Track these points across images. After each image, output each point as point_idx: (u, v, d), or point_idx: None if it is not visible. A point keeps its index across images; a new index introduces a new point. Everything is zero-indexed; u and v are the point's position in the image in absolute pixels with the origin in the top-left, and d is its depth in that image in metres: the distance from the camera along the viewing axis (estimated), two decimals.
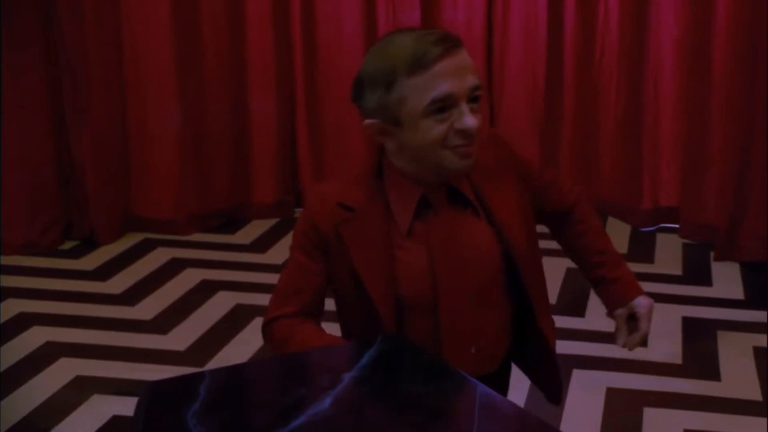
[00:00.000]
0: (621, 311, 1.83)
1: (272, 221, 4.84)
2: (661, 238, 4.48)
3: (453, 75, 1.54)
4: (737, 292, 3.88)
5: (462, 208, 1.68)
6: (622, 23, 4.49)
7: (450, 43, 1.55)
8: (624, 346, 1.81)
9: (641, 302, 1.82)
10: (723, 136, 4.19)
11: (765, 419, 2.94)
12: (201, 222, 4.72)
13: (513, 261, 1.69)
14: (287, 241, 4.63)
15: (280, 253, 4.42)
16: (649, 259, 4.25)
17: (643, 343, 1.82)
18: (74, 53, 4.31)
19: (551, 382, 1.86)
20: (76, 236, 4.58)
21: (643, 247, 4.37)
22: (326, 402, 1.33)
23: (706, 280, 4.01)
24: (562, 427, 2.84)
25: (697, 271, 4.10)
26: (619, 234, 4.51)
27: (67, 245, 4.55)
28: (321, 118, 4.89)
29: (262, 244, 4.56)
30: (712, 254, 4.22)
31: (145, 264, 4.31)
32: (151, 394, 1.40)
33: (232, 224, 4.80)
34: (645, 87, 4.42)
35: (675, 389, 3.12)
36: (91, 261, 4.35)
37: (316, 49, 4.80)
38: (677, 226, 4.50)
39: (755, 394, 3.10)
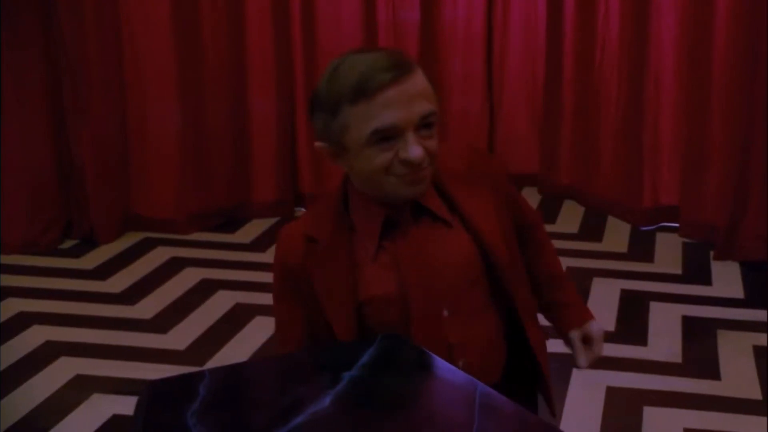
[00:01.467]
0: (575, 333, 1.82)
1: (272, 220, 4.84)
2: (661, 237, 4.48)
3: (398, 104, 1.48)
4: (737, 292, 3.88)
5: (431, 223, 1.64)
6: (623, 23, 4.49)
7: (398, 71, 1.48)
8: (584, 366, 1.82)
9: (595, 326, 1.84)
10: (723, 135, 4.19)
11: (765, 418, 2.94)
12: (201, 221, 4.73)
13: (493, 267, 1.65)
14: None
15: None
16: (649, 258, 4.25)
17: (594, 361, 1.84)
18: (74, 53, 4.31)
19: (541, 391, 1.86)
20: (76, 235, 4.59)
21: (643, 246, 4.37)
22: (326, 401, 1.33)
23: (706, 280, 4.01)
24: (562, 426, 2.85)
25: (697, 271, 4.10)
26: (619, 233, 4.52)
27: (67, 244, 4.55)
28: None
29: (261, 243, 4.57)
30: (711, 253, 4.22)
31: (144, 263, 4.31)
32: (150, 393, 1.40)
33: (231, 223, 4.80)
34: (645, 87, 4.41)
35: (675, 388, 3.12)
36: (90, 260, 4.36)
37: (316, 49, 4.80)
38: (677, 225, 4.50)
39: (755, 393, 3.10)
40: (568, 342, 1.84)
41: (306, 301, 1.64)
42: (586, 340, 1.84)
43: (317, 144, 1.59)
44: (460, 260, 1.63)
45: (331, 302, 1.61)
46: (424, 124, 1.51)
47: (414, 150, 1.49)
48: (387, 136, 1.49)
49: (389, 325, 1.60)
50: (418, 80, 1.51)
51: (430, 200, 1.63)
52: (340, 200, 1.65)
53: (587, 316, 1.85)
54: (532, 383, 1.85)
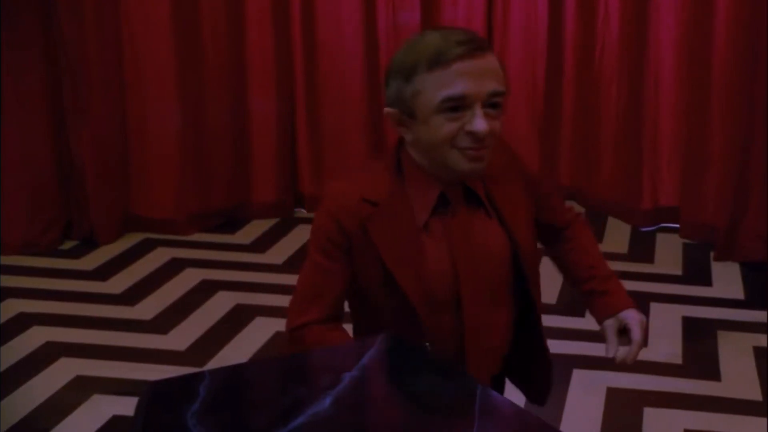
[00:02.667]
0: (610, 321, 1.77)
1: (272, 221, 4.84)
2: (661, 238, 4.48)
3: (471, 77, 1.54)
4: (737, 292, 3.88)
5: (475, 209, 1.69)
6: (623, 24, 4.49)
7: (474, 45, 1.55)
8: (617, 358, 1.73)
9: (632, 314, 1.76)
10: (723, 136, 4.19)
11: (765, 419, 2.94)
12: (201, 222, 4.72)
13: (519, 263, 1.70)
14: (287, 241, 4.67)
15: (279, 253, 4.42)
16: (649, 259, 4.25)
17: (635, 356, 1.73)
18: (74, 53, 4.31)
19: (544, 382, 1.85)
20: (76, 236, 4.58)
21: (643, 247, 4.37)
22: (326, 402, 1.33)
23: (706, 280, 4.01)
24: (562, 427, 2.84)
25: (697, 271, 4.10)
26: (619, 234, 4.52)
27: (67, 245, 4.55)
28: (321, 118, 4.90)
29: (261, 244, 4.56)
30: (712, 254, 4.22)
31: (145, 264, 4.31)
32: (151, 394, 1.40)
33: (231, 224, 4.80)
34: (645, 87, 4.42)
35: (675, 389, 3.12)
36: (91, 261, 4.35)
37: (316, 49, 4.80)
38: (677, 225, 4.50)
39: (755, 394, 3.10)
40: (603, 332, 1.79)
41: (351, 262, 1.66)
42: (625, 332, 1.77)
43: (386, 110, 1.64)
44: (496, 251, 1.69)
45: (401, 267, 1.63)
46: (491, 103, 1.57)
47: (480, 123, 1.55)
48: (456, 105, 1.55)
49: (444, 296, 1.65)
50: (492, 60, 1.58)
51: (477, 188, 1.69)
52: (395, 167, 1.68)
53: (625, 303, 1.79)
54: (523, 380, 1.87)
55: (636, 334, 1.73)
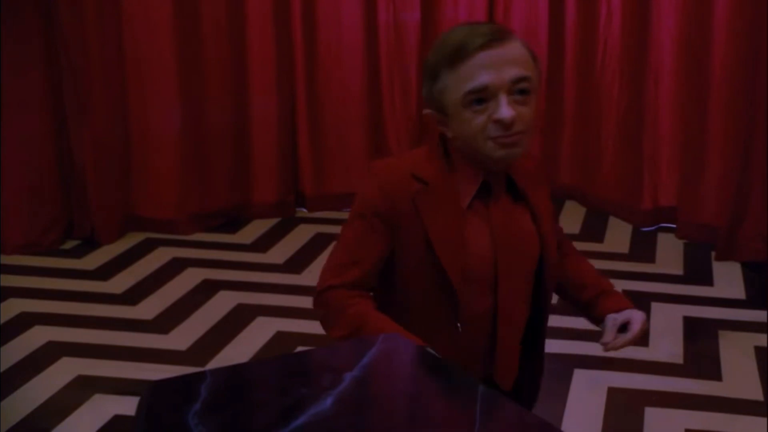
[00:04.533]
0: (613, 315, 1.78)
1: (273, 221, 4.84)
2: (661, 237, 4.48)
3: (491, 67, 1.57)
4: (738, 292, 3.88)
5: (514, 201, 1.73)
6: (624, 24, 4.49)
7: (493, 36, 1.58)
8: (607, 345, 1.74)
9: (635, 312, 1.77)
10: (723, 136, 4.19)
11: (766, 419, 2.94)
12: (202, 222, 4.72)
13: (542, 264, 1.75)
14: (288, 240, 4.67)
15: (281, 252, 4.42)
16: (650, 258, 4.25)
17: (626, 344, 1.75)
18: (75, 52, 4.31)
19: (533, 390, 1.87)
20: (78, 236, 4.58)
21: (643, 247, 4.37)
22: (327, 402, 1.33)
23: (707, 280, 4.01)
24: (563, 427, 2.85)
25: (698, 271, 4.10)
26: (619, 234, 4.52)
27: (69, 245, 4.55)
28: (322, 117, 4.90)
29: (263, 243, 4.56)
30: (713, 254, 4.22)
31: (146, 264, 4.31)
32: (152, 393, 1.40)
33: (233, 224, 4.80)
34: (646, 87, 4.42)
35: (676, 389, 3.12)
36: (92, 261, 4.36)
37: (317, 49, 4.80)
38: (678, 225, 4.50)
39: (756, 393, 3.10)
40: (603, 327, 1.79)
41: (393, 236, 1.68)
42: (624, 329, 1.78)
43: (424, 111, 1.70)
44: (529, 246, 1.73)
45: (445, 244, 1.66)
46: (518, 90, 1.60)
47: (504, 110, 1.58)
48: (480, 97, 1.59)
49: (483, 275, 1.68)
50: (514, 47, 1.61)
51: (519, 182, 1.73)
52: (441, 151, 1.71)
53: (628, 304, 1.81)
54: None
55: (635, 328, 1.74)
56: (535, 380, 1.86)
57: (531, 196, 1.74)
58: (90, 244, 4.53)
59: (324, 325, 1.74)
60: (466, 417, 1.34)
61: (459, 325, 1.68)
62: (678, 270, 4.12)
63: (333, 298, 1.69)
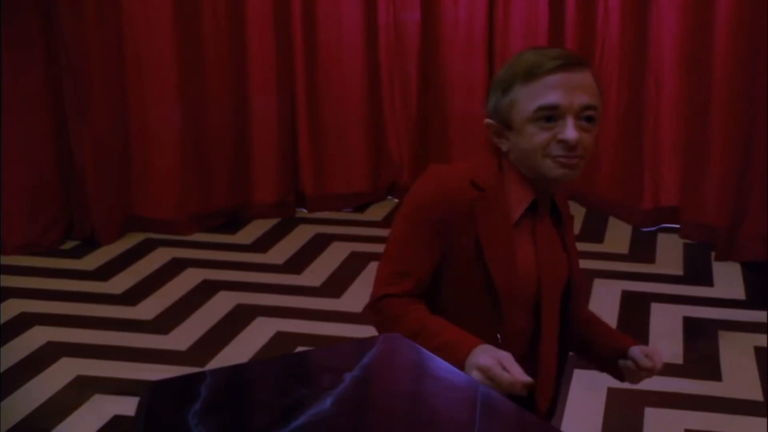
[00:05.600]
0: (639, 348, 1.82)
1: (273, 221, 4.84)
2: (661, 238, 4.48)
3: (564, 89, 1.64)
4: (738, 292, 3.88)
5: (555, 226, 1.78)
6: (623, 24, 4.49)
7: (568, 61, 1.66)
8: (651, 371, 1.80)
9: (656, 348, 1.83)
10: (723, 136, 4.19)
11: (766, 419, 2.93)
12: (202, 222, 4.73)
13: (568, 293, 1.78)
14: (288, 241, 4.67)
15: (280, 253, 4.42)
16: (650, 259, 4.25)
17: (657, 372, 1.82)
18: (75, 53, 4.31)
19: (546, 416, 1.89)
20: (77, 236, 4.58)
21: (643, 247, 4.37)
22: (327, 402, 1.33)
23: (707, 280, 4.01)
24: (563, 427, 2.84)
25: (698, 271, 4.10)
26: (619, 234, 4.52)
27: (68, 245, 4.55)
28: (322, 117, 4.90)
29: (262, 244, 4.57)
30: (713, 254, 4.22)
31: (146, 264, 4.31)
32: (152, 394, 1.40)
33: (232, 224, 4.80)
34: (645, 87, 4.42)
35: (676, 389, 3.12)
36: (92, 261, 4.36)
37: (317, 49, 4.81)
38: (678, 226, 4.50)
39: (756, 394, 3.10)
40: (628, 358, 1.83)
41: (445, 243, 1.69)
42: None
43: (486, 121, 1.76)
44: (563, 271, 1.78)
45: (496, 253, 1.68)
46: (585, 117, 1.66)
47: (570, 131, 1.63)
48: (549, 115, 1.65)
49: (526, 291, 1.71)
50: (586, 76, 1.68)
51: (562, 209, 1.79)
52: (497, 163, 1.75)
53: (631, 341, 1.88)
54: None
55: (659, 361, 1.79)
56: (555, 401, 1.90)
57: (566, 223, 1.81)
58: (90, 245, 4.53)
59: (380, 331, 1.74)
60: (467, 418, 1.34)
61: (499, 336, 1.68)
62: (678, 270, 4.12)
63: (388, 306, 1.70)
